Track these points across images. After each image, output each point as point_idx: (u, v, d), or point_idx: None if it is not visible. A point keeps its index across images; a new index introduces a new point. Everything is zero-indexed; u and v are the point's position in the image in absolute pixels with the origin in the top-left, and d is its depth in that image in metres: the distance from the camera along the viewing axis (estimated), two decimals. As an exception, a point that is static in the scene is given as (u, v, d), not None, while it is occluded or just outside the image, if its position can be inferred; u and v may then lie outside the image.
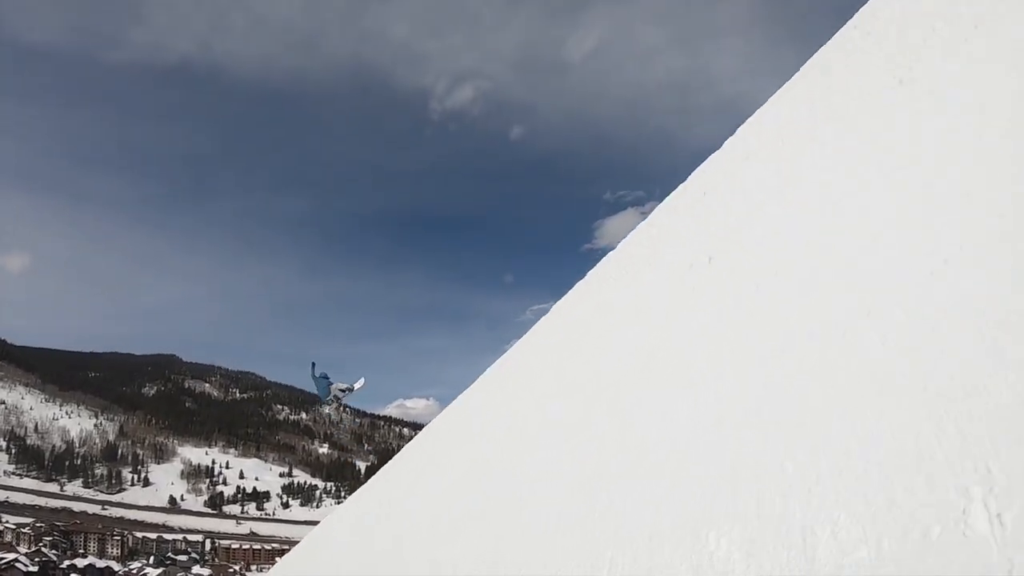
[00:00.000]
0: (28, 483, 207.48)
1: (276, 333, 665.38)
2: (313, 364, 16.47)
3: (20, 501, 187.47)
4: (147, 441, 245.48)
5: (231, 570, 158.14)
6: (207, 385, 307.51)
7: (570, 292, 7.56)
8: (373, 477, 10.52)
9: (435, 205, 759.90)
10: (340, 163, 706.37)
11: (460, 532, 5.66)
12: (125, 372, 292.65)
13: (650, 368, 4.46)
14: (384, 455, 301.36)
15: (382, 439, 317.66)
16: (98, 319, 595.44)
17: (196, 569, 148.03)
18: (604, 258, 7.37)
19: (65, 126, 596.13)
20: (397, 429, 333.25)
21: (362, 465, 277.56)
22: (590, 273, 7.35)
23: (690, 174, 6.60)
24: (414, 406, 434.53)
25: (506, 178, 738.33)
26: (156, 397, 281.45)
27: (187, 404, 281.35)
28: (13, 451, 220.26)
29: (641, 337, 4.99)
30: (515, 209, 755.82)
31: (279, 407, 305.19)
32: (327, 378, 16.54)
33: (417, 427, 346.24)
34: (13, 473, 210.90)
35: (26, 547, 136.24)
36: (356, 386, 17.27)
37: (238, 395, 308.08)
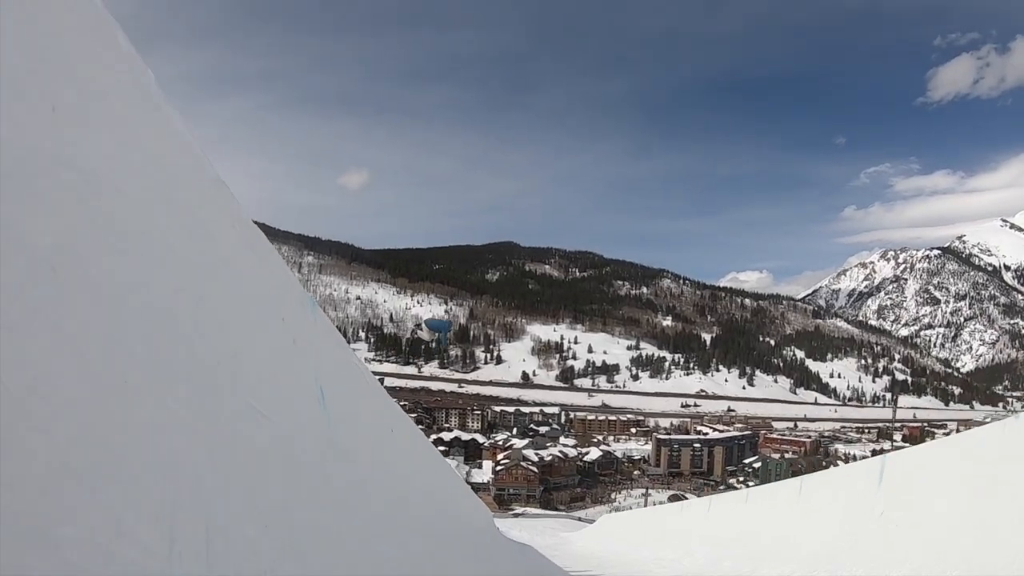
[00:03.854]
0: (387, 367, 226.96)
1: (608, 212, 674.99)
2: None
3: (384, 384, 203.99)
4: (496, 322, 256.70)
5: (595, 439, 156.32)
6: (547, 266, 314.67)
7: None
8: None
9: (754, 67, 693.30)
10: (655, 35, 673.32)
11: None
12: (467, 261, 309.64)
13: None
14: (728, 326, 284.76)
15: (724, 310, 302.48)
16: (436, 217, 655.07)
17: (563, 440, 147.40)
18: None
19: (384, 48, 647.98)
20: (738, 300, 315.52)
21: (707, 337, 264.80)
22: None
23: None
24: (747, 279, 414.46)
25: (826, 30, 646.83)
26: (499, 281, 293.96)
27: (529, 285, 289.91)
28: (372, 340, 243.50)
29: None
30: (839, 64, 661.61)
31: (619, 283, 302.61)
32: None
33: (758, 297, 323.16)
34: (373, 360, 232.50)
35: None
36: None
37: (577, 274, 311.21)
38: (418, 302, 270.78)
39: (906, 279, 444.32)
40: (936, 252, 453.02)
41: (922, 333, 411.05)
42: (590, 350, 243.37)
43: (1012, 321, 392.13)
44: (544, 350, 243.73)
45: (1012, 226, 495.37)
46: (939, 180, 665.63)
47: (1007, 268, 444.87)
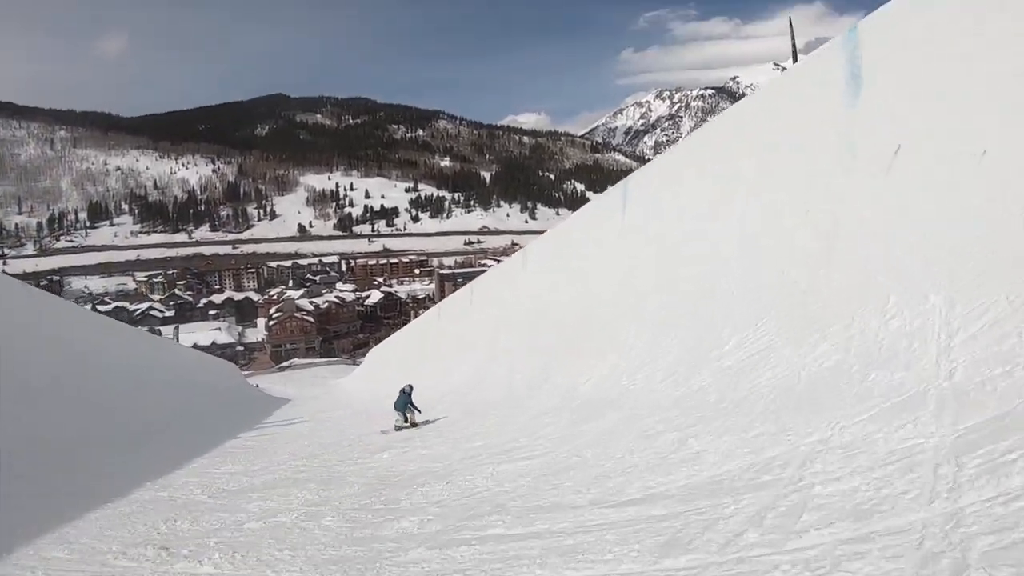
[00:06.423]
0: (156, 238, 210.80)
1: (383, 58, 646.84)
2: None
3: (151, 256, 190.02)
4: (267, 175, 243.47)
5: (375, 282, 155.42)
6: (318, 116, 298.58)
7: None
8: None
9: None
10: None
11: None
12: (235, 118, 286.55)
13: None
14: (507, 163, 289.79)
15: (503, 148, 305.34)
16: (200, 77, 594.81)
17: (340, 286, 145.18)
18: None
19: None
20: (517, 138, 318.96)
21: (486, 174, 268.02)
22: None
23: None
24: (525, 120, 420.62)
25: None
26: (270, 135, 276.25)
27: (301, 136, 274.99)
28: (136, 211, 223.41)
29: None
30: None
31: (394, 127, 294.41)
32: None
33: (537, 135, 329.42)
34: (140, 232, 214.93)
35: (160, 295, 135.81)
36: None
37: (351, 121, 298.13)
38: (183, 165, 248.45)
39: (681, 116, 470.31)
40: (711, 91, 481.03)
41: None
42: (367, 195, 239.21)
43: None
44: (320, 200, 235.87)
45: (784, 69, 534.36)
46: (716, 26, 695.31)
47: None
